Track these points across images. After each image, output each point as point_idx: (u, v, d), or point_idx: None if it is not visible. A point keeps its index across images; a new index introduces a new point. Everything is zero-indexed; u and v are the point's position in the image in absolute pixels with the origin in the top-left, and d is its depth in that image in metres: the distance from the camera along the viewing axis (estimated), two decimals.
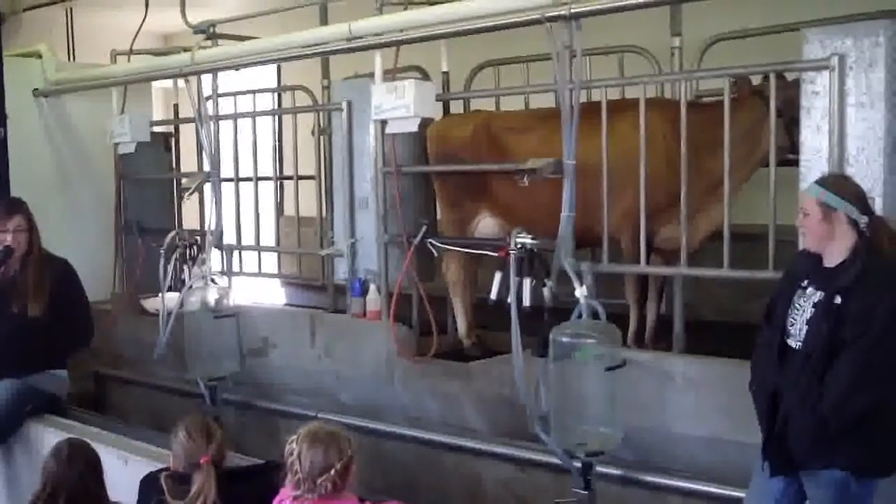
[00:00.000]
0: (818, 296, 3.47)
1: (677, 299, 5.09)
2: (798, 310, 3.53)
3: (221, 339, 6.20)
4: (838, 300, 3.37)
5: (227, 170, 6.92)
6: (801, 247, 3.69)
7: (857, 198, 3.50)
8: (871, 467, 3.44)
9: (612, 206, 4.96)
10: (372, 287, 5.95)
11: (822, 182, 3.61)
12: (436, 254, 5.76)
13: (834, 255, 3.49)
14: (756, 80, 4.88)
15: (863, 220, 3.44)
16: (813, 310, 3.46)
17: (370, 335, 5.91)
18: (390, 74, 5.71)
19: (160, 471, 3.87)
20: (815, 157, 4.29)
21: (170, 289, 6.55)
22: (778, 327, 3.59)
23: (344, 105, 6.03)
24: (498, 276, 5.06)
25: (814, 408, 3.36)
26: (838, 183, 3.62)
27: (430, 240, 5.66)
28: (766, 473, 3.59)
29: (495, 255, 5.09)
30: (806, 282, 3.55)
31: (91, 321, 5.93)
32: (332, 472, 3.27)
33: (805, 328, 3.48)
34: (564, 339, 4.33)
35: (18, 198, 6.03)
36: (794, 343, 3.52)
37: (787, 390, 3.49)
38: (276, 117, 7.60)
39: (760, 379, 3.66)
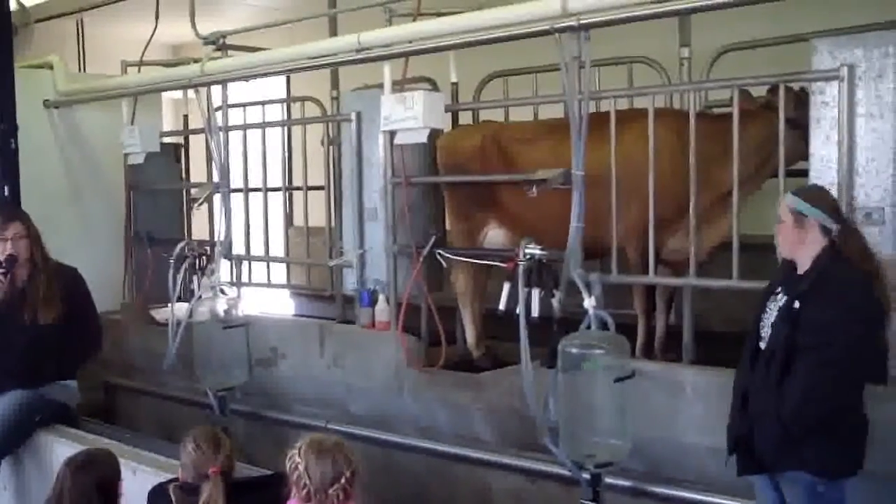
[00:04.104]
0: (783, 300, 3.60)
1: (686, 310, 5.08)
2: (768, 314, 3.68)
3: (231, 349, 6.21)
4: (797, 305, 3.50)
5: (236, 180, 6.94)
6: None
7: (830, 207, 3.62)
8: (834, 469, 3.53)
9: (619, 217, 4.95)
10: (381, 297, 5.95)
11: (798, 191, 3.73)
12: (445, 264, 5.76)
13: (804, 262, 3.61)
14: (759, 92, 4.87)
15: (834, 228, 3.54)
16: (776, 313, 3.60)
17: (379, 346, 5.90)
18: (399, 85, 5.73)
19: (169, 482, 3.88)
20: (824, 168, 4.29)
21: (179, 299, 6.57)
22: (753, 331, 3.73)
23: (353, 116, 6.04)
24: (506, 287, 5.05)
25: (777, 413, 3.46)
26: (812, 192, 3.76)
27: (438, 250, 5.66)
28: (759, 484, 3.73)
29: (504, 265, 5.08)
30: (779, 288, 3.68)
31: (100, 331, 5.94)
32: (343, 480, 3.28)
33: (769, 331, 3.62)
34: (573, 350, 4.32)
35: (16, 205, 6.02)
36: (763, 345, 3.66)
37: (755, 392, 3.61)
38: (286, 128, 7.60)
39: (735, 380, 3.81)
